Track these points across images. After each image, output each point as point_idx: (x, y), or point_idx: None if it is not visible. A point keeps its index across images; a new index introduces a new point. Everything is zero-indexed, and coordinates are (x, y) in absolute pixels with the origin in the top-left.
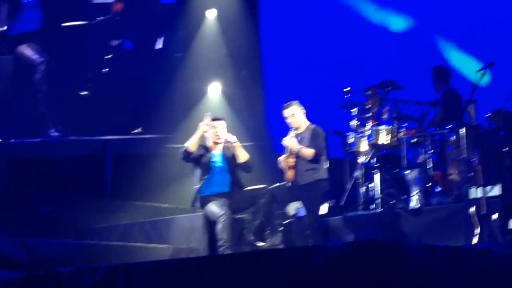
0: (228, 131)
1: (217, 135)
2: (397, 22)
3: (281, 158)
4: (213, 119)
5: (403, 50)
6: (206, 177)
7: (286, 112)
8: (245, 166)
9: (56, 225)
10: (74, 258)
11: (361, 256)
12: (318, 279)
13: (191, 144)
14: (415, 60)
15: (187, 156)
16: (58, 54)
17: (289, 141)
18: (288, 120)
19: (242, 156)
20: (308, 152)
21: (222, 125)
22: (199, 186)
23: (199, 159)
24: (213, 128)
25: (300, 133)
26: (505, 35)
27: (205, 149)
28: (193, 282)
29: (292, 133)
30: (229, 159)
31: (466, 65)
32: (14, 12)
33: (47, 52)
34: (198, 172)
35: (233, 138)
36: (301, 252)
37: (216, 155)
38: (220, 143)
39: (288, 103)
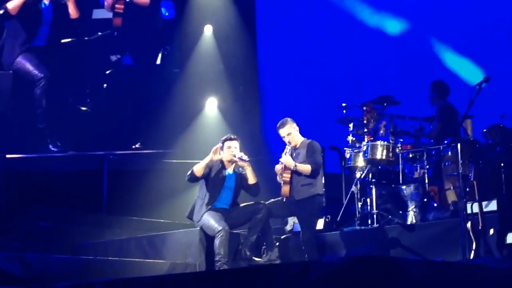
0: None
1: (233, 154)
2: (393, 25)
3: (277, 169)
4: (229, 139)
5: (400, 64)
6: (214, 191)
7: (282, 132)
8: (255, 188)
9: (53, 240)
10: (71, 273)
11: (357, 272)
12: None
13: (199, 169)
14: (412, 75)
15: (194, 179)
16: (57, 69)
17: (285, 159)
18: (285, 139)
19: (252, 178)
20: (305, 168)
21: (236, 144)
22: (203, 199)
23: (210, 174)
24: (229, 148)
25: (297, 149)
26: (501, 37)
27: (222, 164)
28: None
29: (287, 150)
30: (239, 179)
31: (462, 67)
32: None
33: (46, 68)
34: (204, 185)
35: (246, 157)
36: (298, 267)
37: (230, 173)
38: (235, 161)
39: (281, 122)
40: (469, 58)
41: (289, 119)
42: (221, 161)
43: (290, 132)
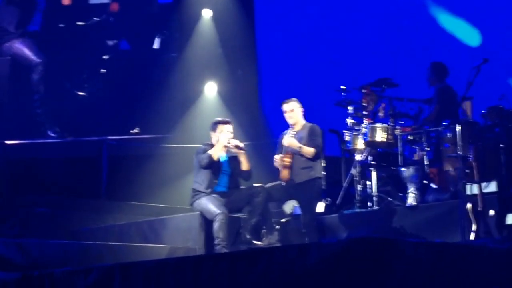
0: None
1: (229, 140)
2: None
3: (277, 157)
4: (223, 122)
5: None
6: (211, 176)
7: (286, 107)
8: (247, 174)
9: (51, 226)
10: (70, 259)
11: (357, 253)
12: (315, 276)
13: (217, 154)
14: (410, 57)
15: (212, 164)
16: (55, 55)
17: (289, 140)
18: (287, 115)
19: (246, 164)
20: (309, 150)
21: (230, 128)
22: (200, 183)
23: None
24: (228, 133)
25: (297, 131)
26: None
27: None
28: (189, 281)
29: (290, 132)
30: (232, 163)
31: (458, 28)
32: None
33: (44, 53)
34: (202, 171)
35: (242, 145)
36: (297, 249)
37: (224, 158)
38: (231, 147)
39: (289, 99)
40: (465, 19)
41: (295, 98)
42: (212, 146)
43: (293, 109)
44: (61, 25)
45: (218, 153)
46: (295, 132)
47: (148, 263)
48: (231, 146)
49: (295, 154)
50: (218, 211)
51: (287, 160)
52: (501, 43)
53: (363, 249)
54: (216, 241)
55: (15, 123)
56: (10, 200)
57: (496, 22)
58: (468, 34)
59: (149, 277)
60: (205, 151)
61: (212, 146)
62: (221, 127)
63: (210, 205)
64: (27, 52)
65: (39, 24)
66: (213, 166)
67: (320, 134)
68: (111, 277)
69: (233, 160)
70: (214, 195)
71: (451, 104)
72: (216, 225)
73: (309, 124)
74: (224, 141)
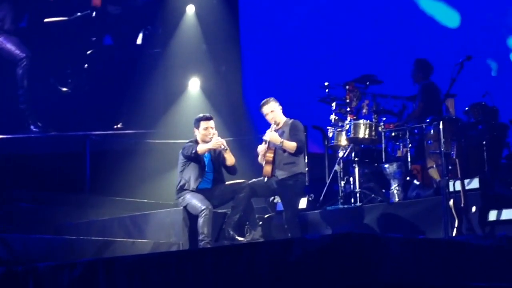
0: None
1: (211, 137)
2: None
3: (260, 148)
4: (205, 119)
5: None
6: (196, 172)
7: (266, 109)
8: (233, 169)
9: (35, 221)
10: (54, 253)
11: (340, 249)
12: (298, 272)
13: (203, 151)
14: (394, 54)
15: (196, 157)
16: (38, 50)
17: (271, 135)
18: (268, 117)
19: (230, 159)
20: (290, 145)
21: (212, 124)
22: (186, 180)
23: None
24: (206, 129)
25: (279, 128)
26: None
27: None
28: (173, 276)
29: (273, 127)
30: (215, 158)
31: (438, 10)
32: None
33: (28, 48)
34: (187, 168)
35: (224, 142)
36: (281, 245)
37: (206, 154)
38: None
39: (265, 100)
40: (444, 1)
41: (272, 98)
42: (197, 142)
43: (273, 110)
44: (45, 20)
45: (204, 151)
46: (276, 127)
47: (132, 257)
48: (217, 146)
49: (278, 149)
50: (203, 207)
51: (270, 155)
52: (479, 24)
53: (347, 245)
54: (200, 237)
55: None
56: None
57: (474, 4)
58: (448, 16)
59: (133, 272)
60: (190, 146)
61: (196, 142)
62: (203, 123)
63: (195, 200)
64: (11, 46)
65: (23, 19)
66: (198, 162)
67: (301, 130)
68: (95, 271)
69: (216, 156)
70: (199, 191)
71: (435, 101)
72: (200, 221)
73: (291, 120)
74: (214, 145)
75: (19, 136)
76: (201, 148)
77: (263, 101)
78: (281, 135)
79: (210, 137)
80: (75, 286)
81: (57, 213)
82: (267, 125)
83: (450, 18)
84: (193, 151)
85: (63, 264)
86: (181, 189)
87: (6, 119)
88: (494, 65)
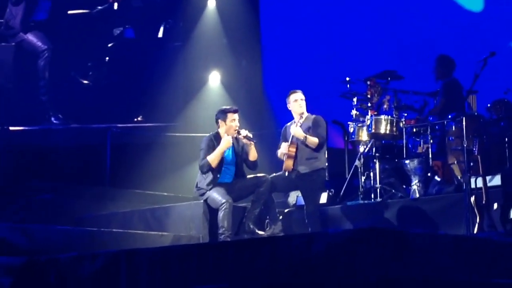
0: None
1: (236, 129)
2: None
3: (283, 146)
4: (232, 111)
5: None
6: (218, 166)
7: (298, 95)
8: (253, 164)
9: (55, 212)
10: (74, 244)
11: (361, 243)
12: (319, 266)
13: (215, 160)
14: (415, 49)
15: (210, 170)
16: (59, 42)
17: (295, 130)
18: (299, 103)
19: (253, 154)
20: (313, 140)
21: (237, 116)
22: (207, 178)
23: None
24: (233, 121)
25: (302, 123)
26: None
27: (219, 139)
28: (194, 269)
29: (298, 122)
30: (238, 152)
31: None
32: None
33: (50, 40)
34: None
35: (251, 135)
36: (302, 239)
37: (230, 147)
38: (239, 137)
39: (295, 90)
40: None
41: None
42: (217, 135)
43: (303, 98)
44: (67, 13)
45: (217, 160)
46: (301, 123)
47: (154, 250)
48: (241, 137)
49: (300, 144)
50: (223, 200)
51: (292, 150)
52: (502, 8)
53: (369, 240)
54: (220, 230)
55: (20, 109)
56: (14, 186)
57: None
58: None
59: (155, 264)
60: (210, 141)
61: (218, 135)
62: (230, 115)
63: (215, 194)
64: (33, 38)
65: (46, 12)
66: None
67: (324, 125)
68: (117, 263)
69: (240, 149)
70: (220, 185)
71: (457, 98)
72: (221, 214)
73: (313, 116)
74: (226, 146)
75: (40, 128)
76: (212, 159)
77: (295, 90)
78: (304, 130)
79: (235, 130)
80: (96, 277)
81: (77, 205)
82: (287, 119)
83: (473, 1)
84: (206, 170)
85: (84, 255)
86: (202, 183)
87: (27, 111)
88: None
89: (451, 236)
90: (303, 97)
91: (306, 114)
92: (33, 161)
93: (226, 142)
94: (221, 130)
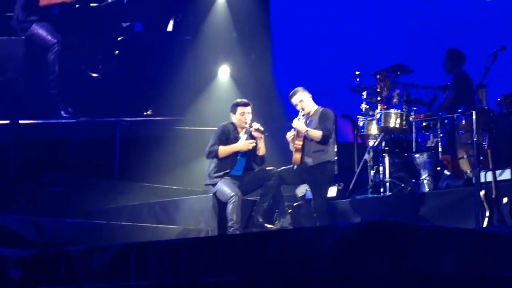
0: None
1: (246, 122)
2: None
3: (289, 134)
4: (242, 104)
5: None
6: (229, 159)
7: (294, 100)
8: (261, 160)
9: (65, 205)
10: (84, 237)
11: (371, 237)
12: (329, 259)
13: (224, 153)
14: (425, 43)
15: (214, 157)
16: (69, 36)
17: (297, 123)
18: (298, 107)
19: (262, 149)
20: (316, 133)
21: (249, 110)
22: (218, 166)
23: (228, 142)
24: (243, 115)
25: (310, 116)
26: None
27: (236, 130)
28: (204, 262)
29: (300, 116)
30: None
31: None
32: None
33: (60, 34)
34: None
35: (263, 128)
36: (312, 232)
37: (242, 139)
38: (252, 131)
39: (293, 91)
40: None
41: (300, 87)
42: (235, 128)
43: (302, 99)
44: (76, 6)
45: (226, 154)
46: (303, 115)
47: (163, 242)
48: (252, 129)
49: (307, 137)
50: (232, 193)
51: (299, 143)
52: None
53: (378, 233)
54: (229, 223)
55: (30, 102)
56: (24, 179)
57: None
58: None
59: (164, 257)
60: (222, 132)
61: (234, 125)
62: (240, 109)
63: (225, 187)
64: (43, 32)
65: (56, 6)
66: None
67: (330, 118)
68: (127, 255)
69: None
70: (228, 178)
71: (467, 92)
72: (230, 207)
73: (321, 109)
74: (242, 147)
75: (50, 122)
76: (222, 151)
77: (292, 92)
78: (310, 123)
79: (245, 123)
80: (106, 269)
81: (87, 198)
82: (297, 113)
83: None
84: (212, 156)
85: (94, 248)
86: (212, 175)
87: (37, 104)
88: None
89: (460, 230)
90: (301, 98)
91: (313, 108)
92: (43, 154)
93: (243, 146)
94: (234, 120)
